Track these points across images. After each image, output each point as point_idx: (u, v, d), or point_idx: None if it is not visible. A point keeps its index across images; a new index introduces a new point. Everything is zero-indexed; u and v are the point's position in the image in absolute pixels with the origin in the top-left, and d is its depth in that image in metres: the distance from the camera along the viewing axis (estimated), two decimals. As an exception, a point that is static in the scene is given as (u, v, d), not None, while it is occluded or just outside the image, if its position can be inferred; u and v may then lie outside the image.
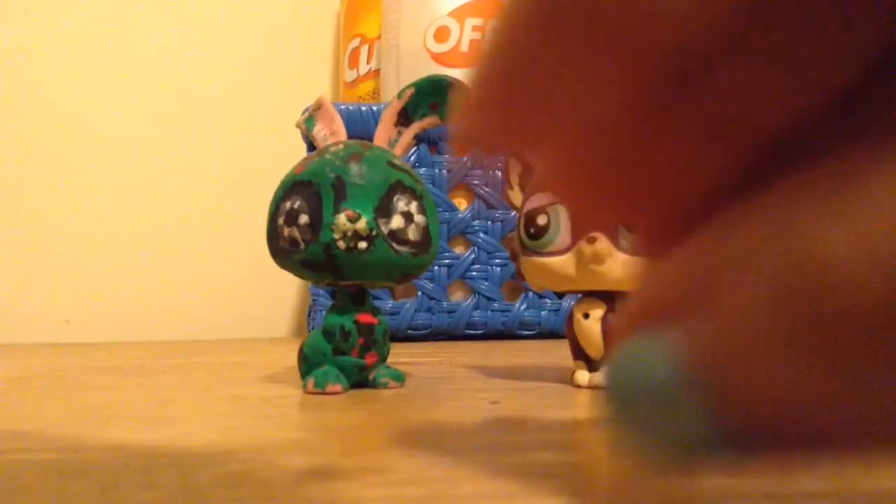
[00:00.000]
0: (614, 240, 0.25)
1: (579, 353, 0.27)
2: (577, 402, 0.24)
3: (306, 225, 0.25)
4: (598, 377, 0.26)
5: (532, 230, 0.26)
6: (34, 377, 0.33)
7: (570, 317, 0.27)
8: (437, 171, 0.53)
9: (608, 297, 0.26)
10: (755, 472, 0.07)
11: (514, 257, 0.28)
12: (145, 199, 0.66)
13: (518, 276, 0.28)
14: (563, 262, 0.26)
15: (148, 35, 0.67)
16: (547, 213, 0.26)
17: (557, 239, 0.26)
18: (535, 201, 0.26)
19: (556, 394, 0.26)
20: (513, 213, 0.53)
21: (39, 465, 0.15)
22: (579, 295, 0.27)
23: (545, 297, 0.54)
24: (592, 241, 0.25)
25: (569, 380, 0.28)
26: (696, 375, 0.07)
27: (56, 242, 0.64)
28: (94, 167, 0.65)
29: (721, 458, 0.08)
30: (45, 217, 0.64)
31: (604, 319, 0.26)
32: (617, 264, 0.25)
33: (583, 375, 0.27)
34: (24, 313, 0.63)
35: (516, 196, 0.29)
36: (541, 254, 0.26)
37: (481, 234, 0.54)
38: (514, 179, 0.29)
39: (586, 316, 0.26)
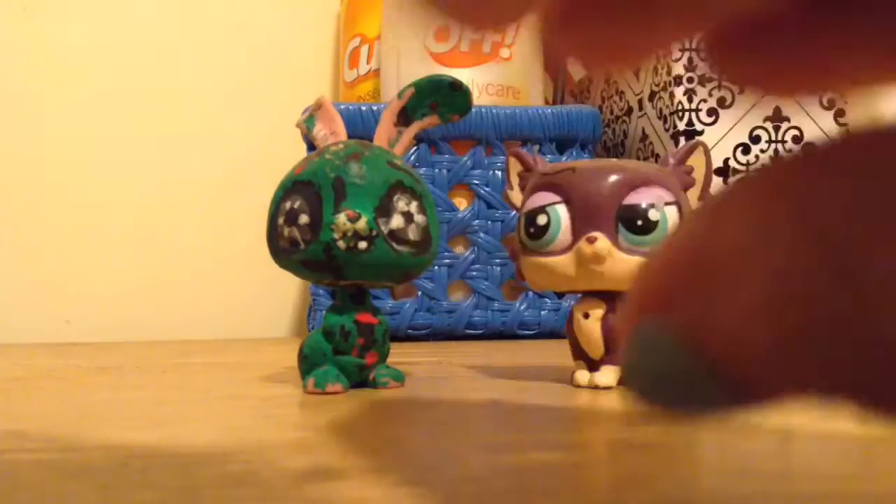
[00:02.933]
0: (614, 240, 0.25)
1: (579, 353, 0.27)
2: (577, 401, 0.24)
3: (306, 225, 0.25)
4: (598, 377, 0.26)
5: (532, 230, 0.26)
6: (34, 377, 0.33)
7: (570, 317, 0.27)
8: (437, 170, 0.53)
9: (608, 297, 0.26)
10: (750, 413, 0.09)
11: (514, 257, 0.28)
12: (146, 199, 0.66)
13: (518, 276, 0.28)
14: (563, 262, 0.26)
15: (148, 35, 0.67)
16: (547, 213, 0.26)
17: (557, 239, 0.26)
18: (535, 201, 0.26)
19: (556, 394, 0.26)
20: (513, 213, 0.53)
21: (39, 465, 0.15)
22: (579, 295, 0.27)
23: (545, 297, 0.54)
24: (592, 240, 0.25)
25: (569, 380, 0.28)
26: (703, 350, 0.09)
27: (56, 242, 0.64)
28: (94, 167, 0.65)
29: (723, 410, 0.09)
30: (46, 218, 0.64)
31: (604, 319, 0.26)
32: (617, 264, 0.25)
33: (583, 375, 0.27)
34: (24, 313, 0.63)
35: (516, 196, 0.29)
36: (541, 254, 0.26)
37: (481, 234, 0.54)
38: (514, 179, 0.29)
39: (586, 316, 0.26)
